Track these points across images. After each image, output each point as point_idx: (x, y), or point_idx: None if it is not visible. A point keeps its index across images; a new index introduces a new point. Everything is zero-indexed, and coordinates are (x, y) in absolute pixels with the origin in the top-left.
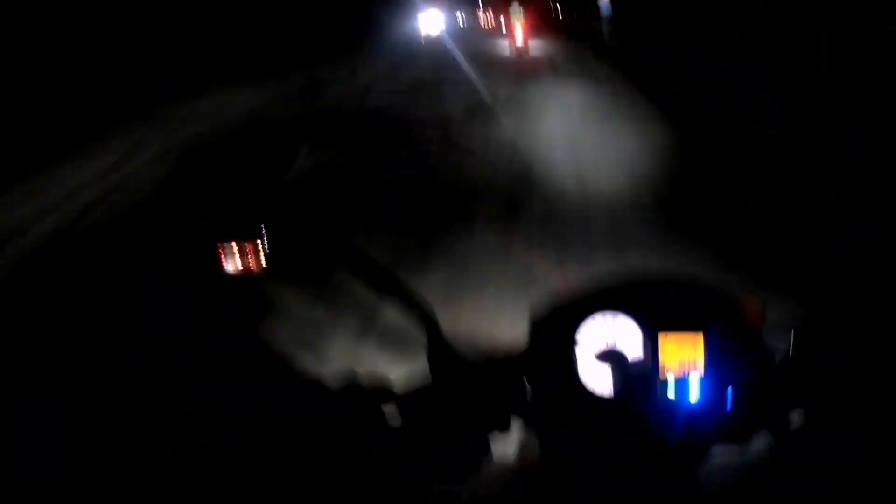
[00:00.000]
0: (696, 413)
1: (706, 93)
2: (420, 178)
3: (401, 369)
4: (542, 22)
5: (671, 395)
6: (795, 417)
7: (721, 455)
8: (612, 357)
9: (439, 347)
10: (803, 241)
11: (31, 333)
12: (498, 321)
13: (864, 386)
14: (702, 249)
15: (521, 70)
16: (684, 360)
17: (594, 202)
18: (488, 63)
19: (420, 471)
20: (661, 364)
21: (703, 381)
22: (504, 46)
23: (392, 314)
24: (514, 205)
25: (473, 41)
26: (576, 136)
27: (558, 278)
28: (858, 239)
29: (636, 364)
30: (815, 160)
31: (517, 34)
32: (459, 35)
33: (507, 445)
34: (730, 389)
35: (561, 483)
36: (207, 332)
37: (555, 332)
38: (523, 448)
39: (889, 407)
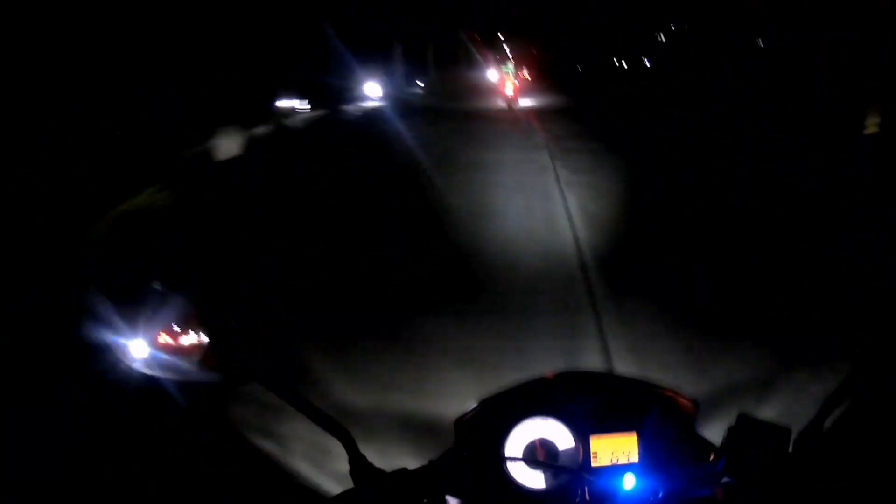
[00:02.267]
0: None
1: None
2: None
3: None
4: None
5: (603, 489)
6: None
7: None
8: (541, 457)
9: (361, 463)
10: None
11: (31, 333)
12: (434, 410)
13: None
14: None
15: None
16: (617, 456)
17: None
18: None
19: None
20: (593, 459)
21: (637, 476)
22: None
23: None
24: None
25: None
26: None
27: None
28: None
29: (566, 462)
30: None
31: (508, 88)
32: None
33: None
34: (662, 485)
35: None
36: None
37: (482, 435)
38: None
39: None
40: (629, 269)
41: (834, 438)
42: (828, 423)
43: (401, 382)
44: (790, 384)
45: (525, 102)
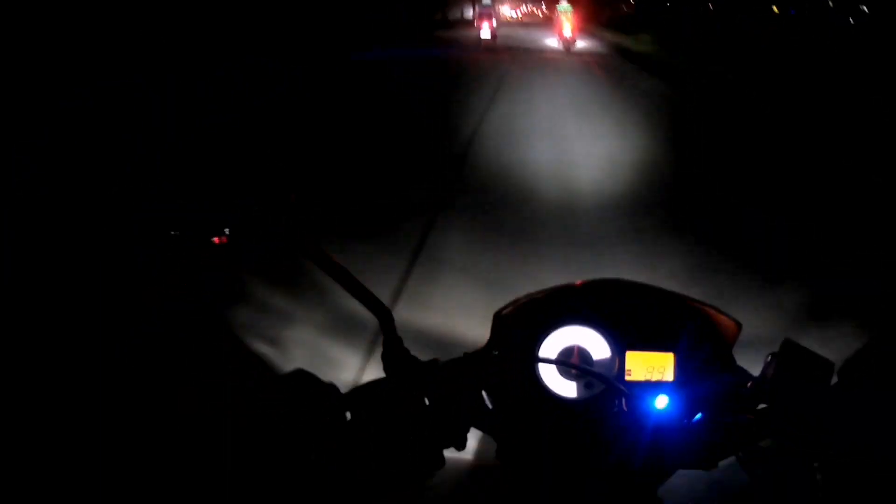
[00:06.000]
0: (661, 425)
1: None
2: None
3: (356, 366)
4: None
5: (637, 405)
6: (765, 439)
7: (685, 474)
8: (577, 369)
9: (396, 347)
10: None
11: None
12: (464, 321)
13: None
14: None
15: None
16: (653, 376)
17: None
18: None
19: (371, 473)
20: (628, 380)
21: (671, 395)
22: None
23: (352, 309)
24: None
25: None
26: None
27: (528, 284)
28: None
29: (603, 378)
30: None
31: (565, 28)
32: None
33: (464, 450)
34: (697, 406)
35: (519, 490)
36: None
37: (520, 338)
38: (481, 453)
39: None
40: (667, 207)
41: (878, 375)
42: (873, 359)
43: (419, 296)
44: (836, 319)
45: (582, 45)
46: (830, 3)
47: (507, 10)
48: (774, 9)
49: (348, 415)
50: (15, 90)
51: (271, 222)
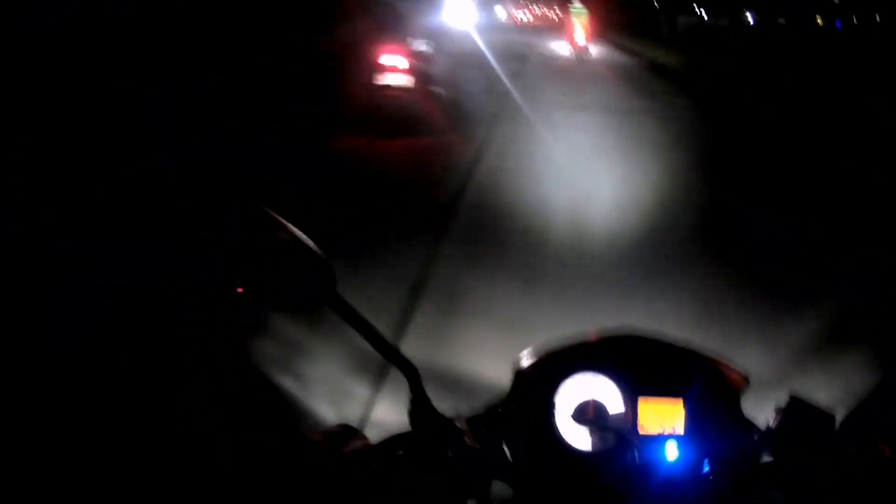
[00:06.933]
0: (672, 477)
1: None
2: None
3: (376, 412)
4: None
5: (649, 457)
6: (773, 490)
7: None
8: (591, 416)
9: (423, 405)
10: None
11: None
12: (482, 368)
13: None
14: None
15: None
16: (663, 424)
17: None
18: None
19: None
20: (639, 426)
21: (681, 446)
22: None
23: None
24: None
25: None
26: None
27: (544, 333)
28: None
29: (615, 425)
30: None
31: (577, 34)
32: None
33: (481, 500)
34: (706, 457)
35: None
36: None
37: (535, 387)
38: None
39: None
40: (678, 246)
41: (877, 426)
42: (872, 411)
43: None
44: (841, 368)
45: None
46: (878, 18)
47: (517, 13)
48: (819, 21)
49: (371, 458)
50: (15, 90)
51: (294, 273)
